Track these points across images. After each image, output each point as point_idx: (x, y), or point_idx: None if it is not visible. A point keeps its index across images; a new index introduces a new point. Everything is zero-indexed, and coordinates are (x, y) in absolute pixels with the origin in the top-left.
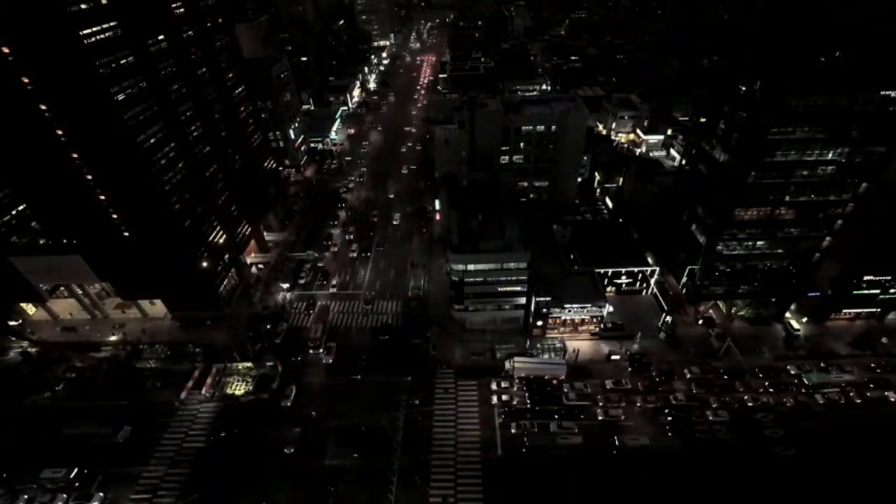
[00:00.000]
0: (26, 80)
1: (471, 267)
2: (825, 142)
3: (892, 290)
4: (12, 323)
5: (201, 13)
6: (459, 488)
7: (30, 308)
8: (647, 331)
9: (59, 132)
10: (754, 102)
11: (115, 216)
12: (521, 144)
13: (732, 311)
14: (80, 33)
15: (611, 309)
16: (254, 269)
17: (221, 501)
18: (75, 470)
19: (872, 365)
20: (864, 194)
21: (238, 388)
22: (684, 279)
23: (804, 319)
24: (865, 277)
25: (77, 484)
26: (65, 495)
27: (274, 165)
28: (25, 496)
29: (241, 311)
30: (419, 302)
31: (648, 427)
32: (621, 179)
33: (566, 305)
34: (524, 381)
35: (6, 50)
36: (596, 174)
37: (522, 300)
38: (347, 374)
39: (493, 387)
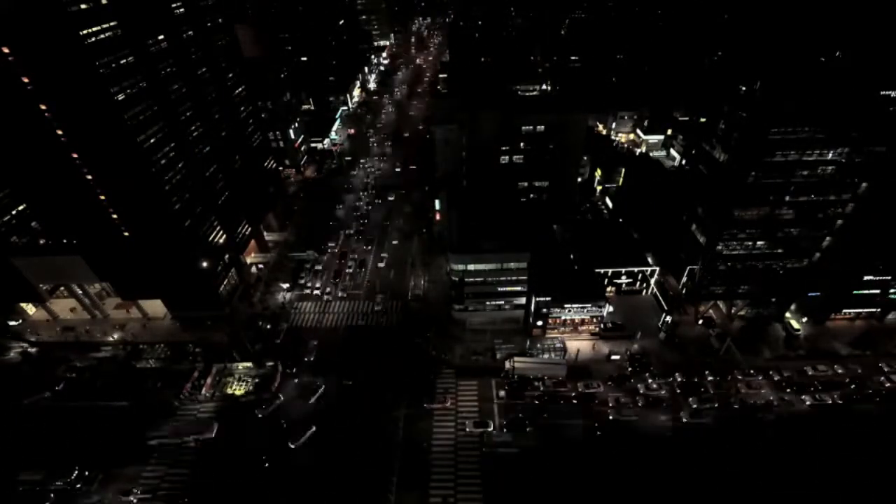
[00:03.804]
0: (26, 80)
1: (471, 267)
2: (825, 142)
3: (892, 290)
4: (12, 323)
5: (201, 13)
6: (459, 488)
7: (30, 308)
8: (647, 331)
9: (60, 132)
10: (754, 102)
11: (115, 216)
12: (521, 144)
13: (732, 311)
14: (81, 33)
15: (611, 309)
16: (254, 269)
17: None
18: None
19: None
20: (864, 194)
21: (238, 389)
22: (684, 279)
23: (804, 319)
24: (865, 277)
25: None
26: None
27: (274, 165)
28: None
29: (241, 311)
30: (419, 302)
31: None
32: (621, 179)
33: (566, 305)
34: None
35: (6, 50)
36: (596, 174)
37: (522, 300)
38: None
39: None
